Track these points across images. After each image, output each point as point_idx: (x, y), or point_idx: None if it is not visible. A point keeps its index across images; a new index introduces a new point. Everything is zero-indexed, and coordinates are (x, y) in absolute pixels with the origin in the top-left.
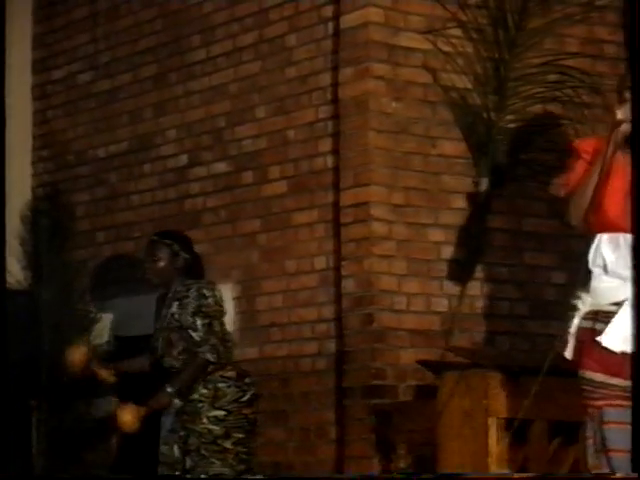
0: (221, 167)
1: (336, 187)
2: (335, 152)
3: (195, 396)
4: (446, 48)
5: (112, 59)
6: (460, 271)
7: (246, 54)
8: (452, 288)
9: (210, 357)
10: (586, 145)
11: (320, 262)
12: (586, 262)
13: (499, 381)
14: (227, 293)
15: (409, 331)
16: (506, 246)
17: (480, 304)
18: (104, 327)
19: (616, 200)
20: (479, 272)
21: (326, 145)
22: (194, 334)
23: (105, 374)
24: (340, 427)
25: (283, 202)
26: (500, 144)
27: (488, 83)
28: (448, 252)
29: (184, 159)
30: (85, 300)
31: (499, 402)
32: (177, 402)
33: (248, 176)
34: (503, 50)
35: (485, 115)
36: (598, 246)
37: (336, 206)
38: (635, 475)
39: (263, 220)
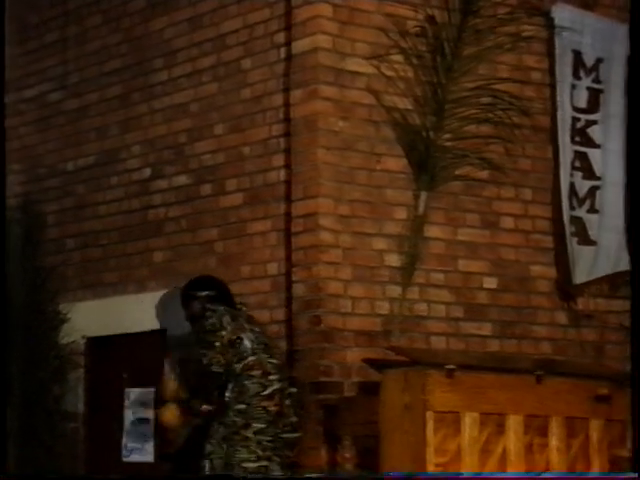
0: (182, 180)
1: (288, 199)
2: (287, 167)
3: (227, 394)
4: (389, 72)
5: (80, 80)
6: (401, 277)
7: (205, 76)
8: (393, 292)
9: None
10: None
11: (272, 268)
12: None
13: (436, 378)
14: None
15: (354, 332)
16: (442, 254)
17: (419, 307)
18: (72, 327)
19: None
20: (418, 278)
21: (278, 160)
22: None
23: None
24: None
25: (239, 212)
26: (438, 160)
27: (427, 105)
28: (390, 259)
29: (147, 172)
30: (55, 302)
31: (436, 397)
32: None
33: (207, 188)
34: (440, 75)
35: (424, 134)
36: None
37: (287, 216)
38: (635, 475)
39: (220, 229)
